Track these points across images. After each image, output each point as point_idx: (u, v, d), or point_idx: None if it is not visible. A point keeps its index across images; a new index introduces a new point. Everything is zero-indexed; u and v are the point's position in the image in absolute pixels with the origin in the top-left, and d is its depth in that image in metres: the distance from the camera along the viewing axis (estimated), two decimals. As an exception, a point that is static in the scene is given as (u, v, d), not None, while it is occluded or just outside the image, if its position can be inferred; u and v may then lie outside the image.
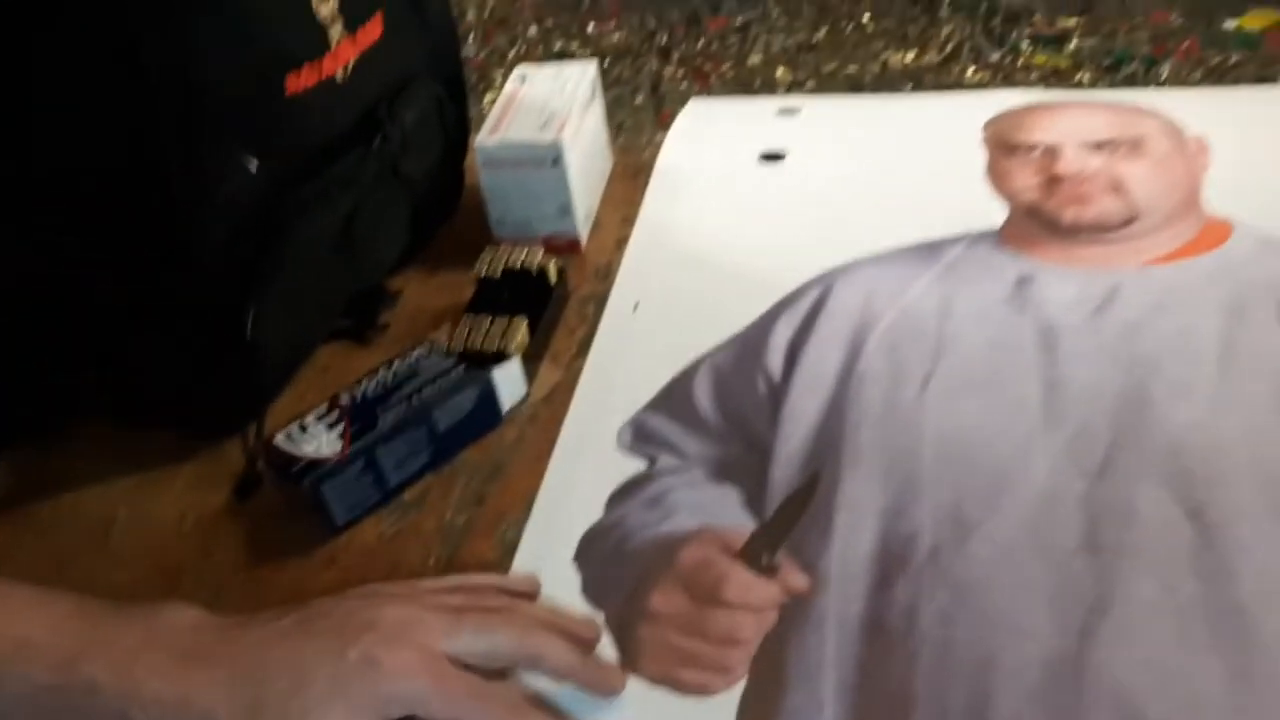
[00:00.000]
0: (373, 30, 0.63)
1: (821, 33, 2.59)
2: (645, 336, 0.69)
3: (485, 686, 0.45)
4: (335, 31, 0.60)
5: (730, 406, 0.63)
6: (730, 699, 0.48)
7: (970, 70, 2.36)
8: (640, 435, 0.62)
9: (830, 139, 0.85)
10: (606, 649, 0.50)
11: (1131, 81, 2.25)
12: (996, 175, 0.77)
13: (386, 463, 0.58)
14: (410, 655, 0.43)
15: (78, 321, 0.59)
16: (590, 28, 2.78)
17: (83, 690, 0.42)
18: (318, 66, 0.59)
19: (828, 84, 2.40)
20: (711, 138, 0.87)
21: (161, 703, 0.42)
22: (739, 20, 2.70)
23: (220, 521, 0.60)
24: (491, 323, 0.63)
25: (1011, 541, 0.52)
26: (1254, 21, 2.41)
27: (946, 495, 0.55)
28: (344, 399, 0.59)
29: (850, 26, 2.59)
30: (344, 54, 0.61)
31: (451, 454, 0.61)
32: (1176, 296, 0.64)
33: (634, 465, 0.60)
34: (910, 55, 2.45)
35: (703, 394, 0.64)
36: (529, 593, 0.52)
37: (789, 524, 0.54)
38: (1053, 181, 0.73)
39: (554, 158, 0.71)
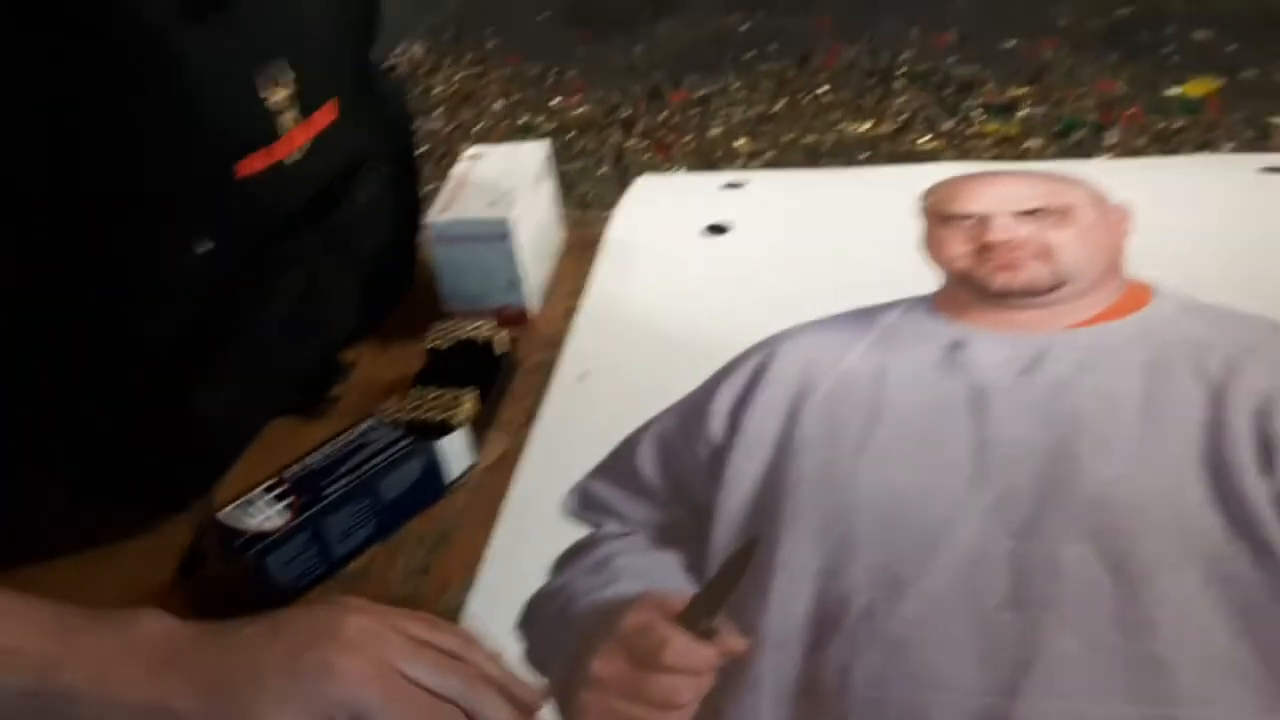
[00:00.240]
0: (326, 115, 0.65)
1: (780, 104, 2.66)
2: (592, 405, 0.70)
3: (436, 708, 0.46)
4: (288, 118, 0.62)
5: (673, 472, 0.65)
6: (669, 761, 0.49)
7: (924, 139, 2.43)
8: (585, 502, 0.63)
9: (774, 212, 0.88)
10: (548, 716, 0.51)
11: (1080, 147, 2.32)
12: (931, 244, 0.80)
13: (331, 534, 0.59)
14: (365, 665, 0.45)
15: (25, 403, 0.60)
16: (555, 102, 2.85)
17: (62, 697, 0.44)
18: (269, 151, 0.61)
19: (787, 153, 2.46)
20: (659, 212, 0.90)
21: (136, 709, 0.44)
22: (700, 93, 2.77)
23: (165, 599, 0.60)
24: (439, 394, 0.65)
25: (941, 600, 0.54)
26: (1195, 89, 2.50)
27: (879, 556, 0.56)
28: (290, 472, 0.60)
29: (807, 98, 2.67)
30: (296, 138, 0.63)
31: (398, 524, 0.62)
32: (1100, 357, 0.67)
33: (579, 531, 0.61)
34: (866, 125, 2.52)
35: (647, 460, 0.65)
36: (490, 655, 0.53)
37: (728, 588, 0.55)
38: (984, 249, 0.76)
39: (503, 234, 0.74)
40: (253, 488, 0.60)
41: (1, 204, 0.54)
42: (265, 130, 0.61)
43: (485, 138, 2.70)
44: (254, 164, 0.61)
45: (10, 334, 0.57)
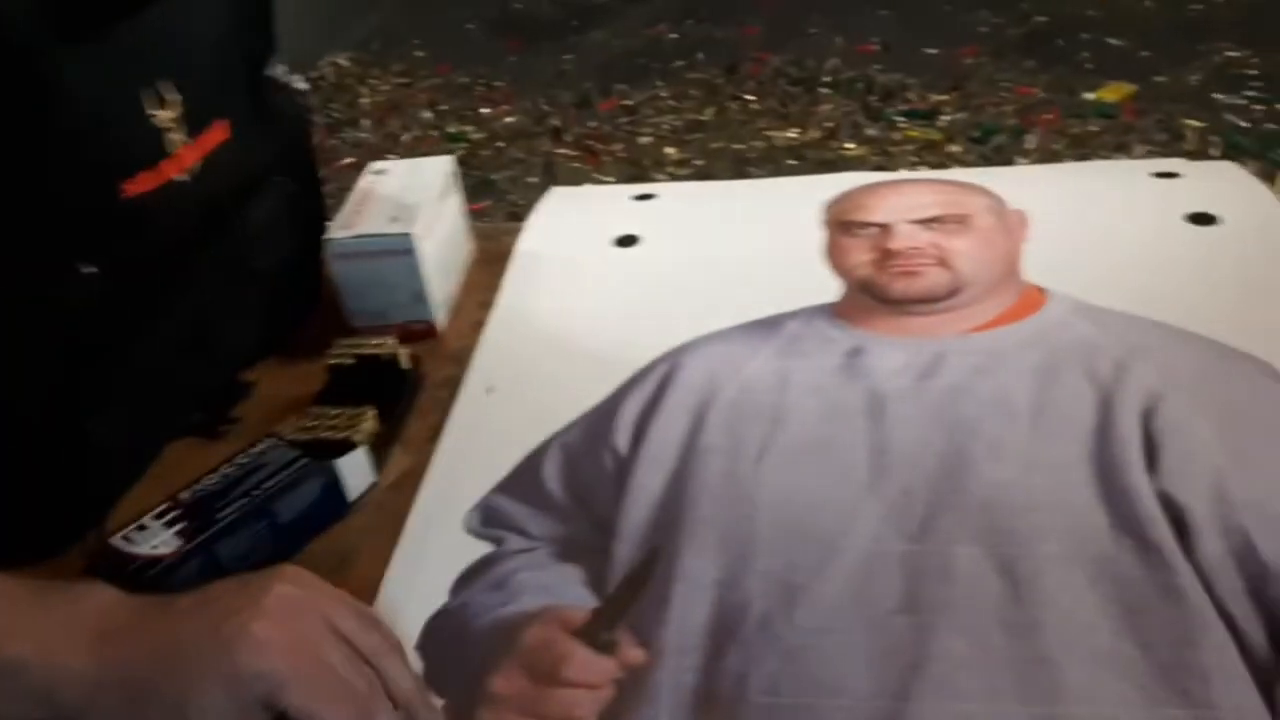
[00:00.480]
0: (217, 134, 0.64)
1: (708, 112, 2.69)
2: (498, 420, 0.70)
3: (345, 688, 0.46)
4: (175, 137, 0.61)
5: (577, 484, 0.64)
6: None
7: (849, 145, 2.47)
8: (488, 518, 0.63)
9: (684, 223, 0.89)
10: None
11: (1000, 152, 2.37)
12: (834, 253, 0.81)
13: (227, 558, 0.58)
14: (280, 636, 0.46)
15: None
16: (484, 111, 2.84)
17: (10, 670, 0.45)
18: (157, 171, 0.60)
19: (714, 161, 2.48)
20: (570, 224, 0.90)
21: (83, 681, 0.45)
22: (629, 102, 2.79)
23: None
24: (338, 413, 0.64)
25: (836, 605, 0.54)
26: (1111, 94, 2.58)
27: (777, 563, 0.57)
28: (184, 496, 0.59)
29: (735, 106, 2.70)
30: (186, 157, 0.62)
31: (297, 546, 0.61)
32: (994, 361, 0.68)
33: (482, 549, 0.61)
34: (793, 132, 2.55)
35: (551, 473, 0.65)
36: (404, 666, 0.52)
37: (628, 600, 0.56)
38: (885, 257, 0.77)
39: (406, 248, 0.73)
40: (146, 512, 0.59)
41: None
42: (152, 149, 0.60)
43: (413, 147, 2.68)
44: (142, 183, 0.60)
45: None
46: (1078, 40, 2.81)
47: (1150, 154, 2.29)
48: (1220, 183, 0.87)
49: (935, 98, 2.62)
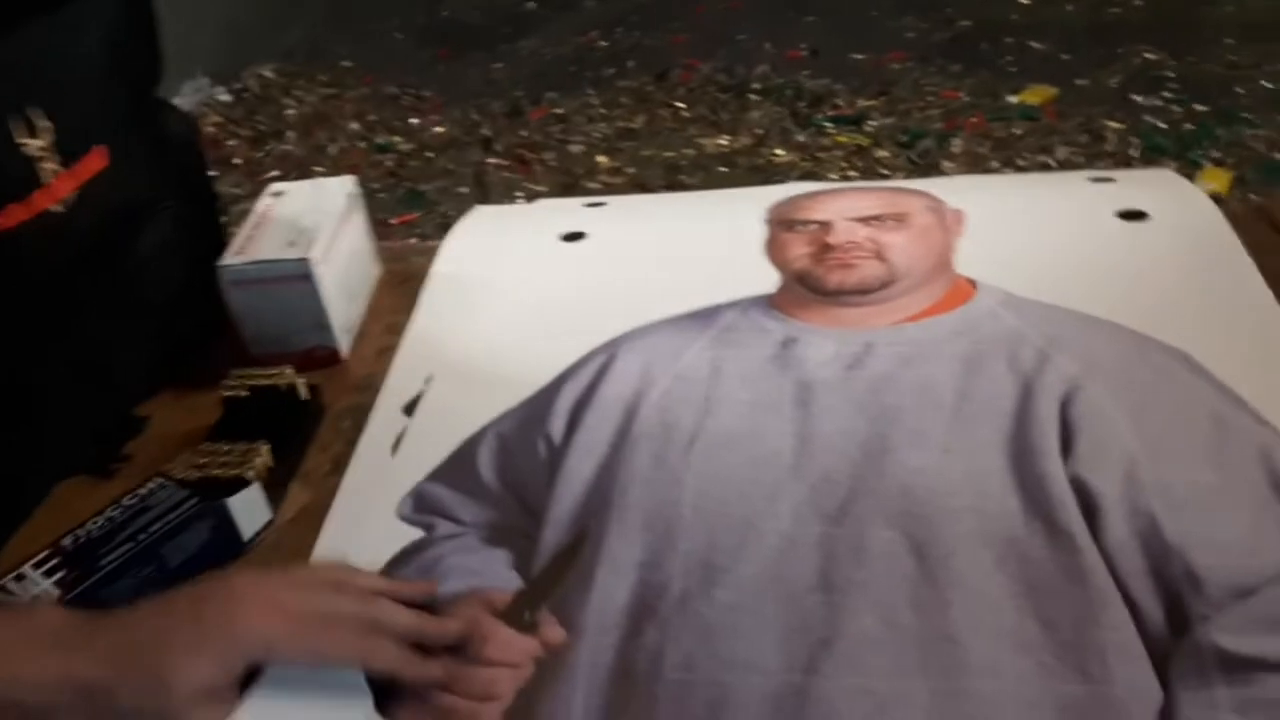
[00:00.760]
0: (94, 162, 0.62)
1: (639, 120, 2.68)
2: (409, 449, 0.68)
3: (335, 625, 0.48)
4: (49, 166, 0.59)
5: (511, 472, 0.65)
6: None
7: (779, 151, 2.48)
8: (420, 504, 0.63)
9: (610, 241, 0.87)
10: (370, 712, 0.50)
11: (927, 156, 2.40)
12: (774, 247, 0.81)
13: (112, 606, 0.55)
14: (263, 604, 0.48)
15: None
16: (413, 121, 2.80)
17: None
18: (29, 203, 0.58)
19: (647, 169, 2.47)
20: (489, 244, 0.89)
21: (45, 685, 0.46)
22: (559, 110, 2.77)
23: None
24: (230, 448, 0.62)
25: (754, 585, 0.55)
26: (1033, 96, 2.61)
27: (699, 544, 0.57)
28: (66, 543, 0.57)
29: (666, 114, 2.69)
30: (60, 187, 0.60)
31: (190, 590, 0.59)
32: (921, 351, 0.69)
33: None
34: (724, 139, 2.55)
35: (485, 460, 0.66)
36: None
37: (552, 582, 0.56)
38: (823, 250, 0.78)
39: (304, 274, 0.71)
40: (26, 559, 0.56)
41: None
42: (23, 180, 0.58)
43: (340, 160, 2.64)
44: (14, 215, 0.57)
45: None
46: (1001, 44, 2.85)
47: (1073, 155, 2.33)
48: (1154, 185, 0.89)
49: (863, 103, 2.63)
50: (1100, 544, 0.54)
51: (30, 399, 0.62)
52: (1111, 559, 0.54)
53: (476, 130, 2.73)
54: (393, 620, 0.50)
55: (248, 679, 0.49)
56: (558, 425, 0.67)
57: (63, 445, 0.67)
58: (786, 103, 2.67)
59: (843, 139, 2.50)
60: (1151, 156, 2.27)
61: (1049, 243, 0.80)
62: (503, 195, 2.44)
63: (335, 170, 2.52)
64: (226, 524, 0.60)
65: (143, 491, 0.60)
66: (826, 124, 2.55)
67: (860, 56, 2.84)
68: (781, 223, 0.83)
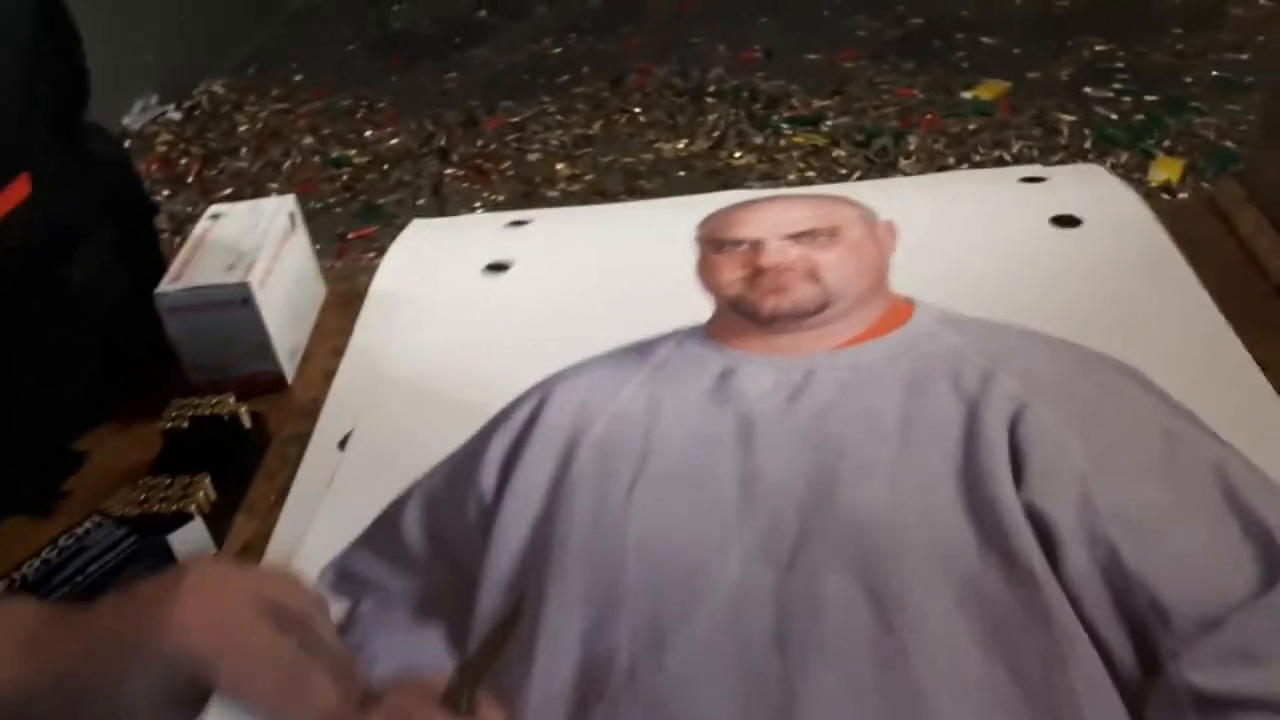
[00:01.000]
0: (16, 191, 0.60)
1: (596, 126, 2.67)
2: (353, 475, 0.66)
3: (272, 659, 0.45)
4: (-31, 194, 0.57)
5: (440, 534, 0.61)
6: None
7: (737, 153, 2.48)
8: (343, 575, 0.60)
9: (553, 251, 0.86)
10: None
11: (884, 154, 2.40)
12: (705, 271, 0.79)
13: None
14: (202, 614, 0.44)
15: None
16: (367, 134, 2.78)
17: None
18: (-52, 233, 0.56)
19: (606, 175, 2.47)
20: (430, 259, 0.87)
21: (18, 684, 0.45)
22: (515, 118, 2.75)
23: None
24: (171, 482, 0.60)
25: (706, 646, 0.52)
26: (987, 91, 2.63)
27: (645, 606, 0.54)
28: (0, 588, 0.55)
29: (623, 119, 2.68)
30: (-17, 216, 0.58)
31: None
32: (862, 377, 0.67)
33: (335, 610, 0.58)
34: (681, 143, 2.55)
35: (412, 524, 0.62)
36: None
37: (488, 661, 0.53)
38: (756, 274, 0.76)
39: (244, 298, 0.69)
40: (-44, 607, 0.54)
41: None
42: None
43: (295, 175, 2.61)
44: (-67, 248, 0.55)
45: None
46: (953, 40, 2.87)
47: (1027, 148, 2.34)
48: (1085, 185, 0.88)
49: (818, 103, 2.64)
50: (1060, 576, 0.53)
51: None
52: (1073, 592, 0.52)
53: (432, 141, 2.71)
54: (324, 642, 0.47)
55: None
56: (489, 479, 0.63)
57: (-2, 482, 0.65)
58: (743, 104, 2.67)
59: (800, 139, 2.50)
60: (1104, 148, 2.29)
61: (982, 253, 0.79)
62: (461, 206, 2.42)
63: (290, 186, 2.49)
64: (168, 561, 0.58)
65: (80, 531, 0.57)
66: (783, 125, 2.56)
67: (814, 56, 2.85)
68: (711, 242, 0.81)
